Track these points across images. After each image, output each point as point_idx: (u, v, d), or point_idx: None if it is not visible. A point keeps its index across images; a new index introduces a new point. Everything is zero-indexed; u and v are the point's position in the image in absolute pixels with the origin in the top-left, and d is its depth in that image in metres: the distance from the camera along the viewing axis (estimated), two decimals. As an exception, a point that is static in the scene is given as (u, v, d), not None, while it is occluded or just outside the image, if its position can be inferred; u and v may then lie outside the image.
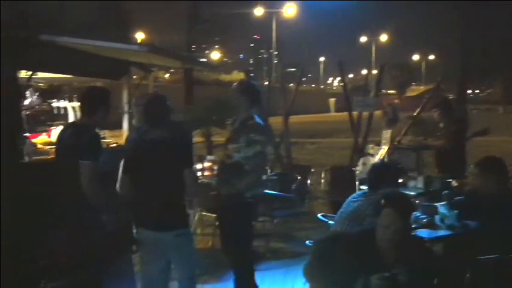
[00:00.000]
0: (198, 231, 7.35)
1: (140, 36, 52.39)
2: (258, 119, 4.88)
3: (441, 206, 4.82)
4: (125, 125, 9.28)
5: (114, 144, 7.53)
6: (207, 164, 7.16)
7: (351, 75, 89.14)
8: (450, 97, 19.29)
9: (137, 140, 4.35)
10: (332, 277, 2.40)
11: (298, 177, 7.47)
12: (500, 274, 3.79)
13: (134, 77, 11.31)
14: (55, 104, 8.17)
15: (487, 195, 4.48)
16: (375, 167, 4.64)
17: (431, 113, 8.15)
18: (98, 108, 4.20)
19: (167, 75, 35.55)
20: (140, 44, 6.63)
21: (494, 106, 67.02)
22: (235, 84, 5.15)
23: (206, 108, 9.85)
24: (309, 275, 2.47)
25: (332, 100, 57.77)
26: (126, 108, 9.13)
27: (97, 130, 4.29)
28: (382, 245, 3.04)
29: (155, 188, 4.05)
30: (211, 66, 21.60)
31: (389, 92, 73.24)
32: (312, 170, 8.44)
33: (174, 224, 4.09)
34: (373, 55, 65.77)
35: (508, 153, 17.41)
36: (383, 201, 3.09)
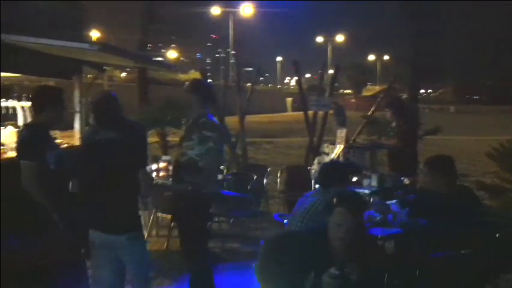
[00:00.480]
0: (153, 232, 7.24)
1: (95, 34, 51.55)
2: (210, 117, 4.90)
3: (393, 204, 4.90)
4: (77, 125, 9.07)
5: (65, 145, 7.34)
6: (162, 164, 7.08)
7: (308, 75, 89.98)
8: (403, 96, 19.69)
9: (88, 139, 4.22)
10: (281, 276, 2.38)
11: (255, 177, 7.46)
12: (449, 271, 3.86)
13: (89, 76, 11.08)
14: (3, 103, 7.91)
15: (436, 193, 4.57)
16: (325, 166, 4.66)
17: (384, 113, 8.25)
18: (48, 108, 4.12)
19: (123, 74, 35.01)
20: (91, 42, 6.47)
21: (446, 106, 68.88)
22: (187, 83, 5.14)
23: (161, 108, 9.75)
24: (260, 275, 2.45)
25: (289, 100, 58.18)
26: (78, 107, 8.93)
27: (45, 130, 4.17)
28: (334, 244, 3.05)
29: (106, 189, 3.95)
30: (166, 65, 21.34)
31: (345, 91, 74.46)
32: (269, 169, 8.44)
33: (126, 227, 4.01)
34: (329, 55, 66.50)
35: (459, 151, 17.95)
36: (335, 200, 3.10)
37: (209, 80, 13.48)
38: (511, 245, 3.42)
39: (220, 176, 6.83)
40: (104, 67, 9.57)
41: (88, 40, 7.56)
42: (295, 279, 2.41)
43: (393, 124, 7.84)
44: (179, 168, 4.89)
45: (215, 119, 5.01)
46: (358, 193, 3.46)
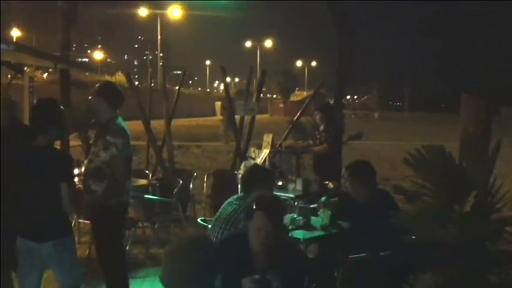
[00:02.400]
0: (75, 239, 6.99)
1: (16, 33, 49.47)
2: (119, 121, 4.74)
3: (317, 208, 4.98)
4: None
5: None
6: (83, 169, 6.86)
7: (237, 79, 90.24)
8: (330, 102, 20.13)
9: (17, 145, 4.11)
10: (183, 282, 2.34)
11: (181, 182, 7.37)
12: (368, 272, 3.96)
13: (8, 76, 10.59)
14: None
15: (357, 197, 4.69)
16: (246, 171, 4.67)
17: (313, 116, 8.38)
18: None
19: (45, 75, 33.76)
20: (6, 42, 6.15)
21: (371, 112, 71.18)
22: (96, 86, 4.95)
23: (84, 111, 9.44)
24: (165, 281, 2.39)
25: (218, 103, 58.08)
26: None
27: None
28: (255, 248, 3.05)
29: (33, 196, 3.85)
30: (88, 66, 20.70)
31: (274, 96, 75.33)
32: (195, 174, 8.37)
33: (53, 233, 3.88)
34: (258, 60, 67.07)
35: (381, 156, 18.58)
36: (254, 204, 3.10)
37: (136, 83, 13.22)
38: (426, 247, 3.55)
39: (132, 182, 6.72)
40: (23, 68, 9.18)
41: (5, 40, 7.20)
42: (198, 285, 2.36)
43: (321, 128, 7.97)
44: (87, 176, 4.75)
45: (124, 123, 4.82)
46: (277, 197, 3.47)
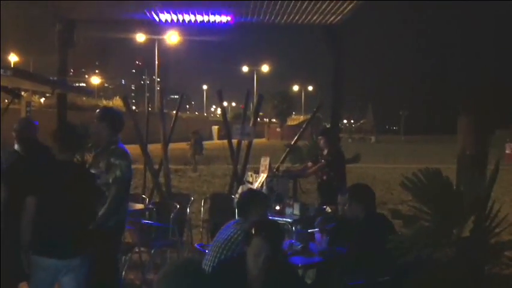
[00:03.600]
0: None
1: (14, 59, 49.71)
2: (121, 145, 4.85)
3: (316, 233, 4.95)
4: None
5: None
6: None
7: (234, 104, 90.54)
8: (327, 126, 20.23)
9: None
10: None
11: (177, 206, 7.32)
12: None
13: (5, 100, 10.58)
14: None
15: (354, 221, 4.67)
16: (242, 196, 4.65)
17: (318, 141, 8.45)
18: None
19: (42, 100, 33.87)
20: (4, 67, 6.18)
21: (367, 135, 71.44)
22: (97, 111, 5.11)
23: (81, 134, 9.44)
24: None
25: (215, 127, 58.29)
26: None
27: None
28: (252, 273, 3.02)
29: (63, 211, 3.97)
30: (86, 91, 20.86)
31: (271, 120, 75.56)
32: (192, 198, 8.33)
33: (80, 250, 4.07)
34: (255, 85, 67.45)
35: (378, 179, 18.57)
36: (253, 229, 3.08)
37: (133, 107, 13.26)
38: (424, 271, 3.52)
39: (134, 203, 6.71)
40: (20, 92, 9.18)
41: (2, 65, 7.22)
42: None
43: (325, 152, 8.07)
44: None
45: (125, 147, 4.93)
46: (276, 222, 3.47)
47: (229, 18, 9.08)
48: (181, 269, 2.35)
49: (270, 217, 5.26)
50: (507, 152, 30.19)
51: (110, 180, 4.65)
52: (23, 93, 9.45)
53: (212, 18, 9.14)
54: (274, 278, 3.03)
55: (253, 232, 3.06)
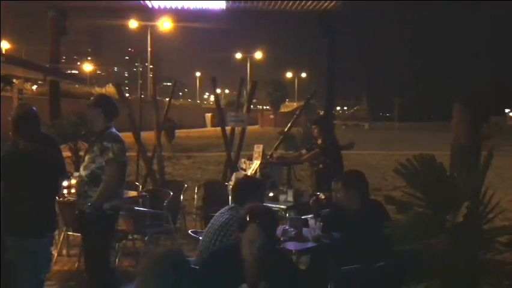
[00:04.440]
0: (64, 252, 6.93)
1: (5, 46, 49.27)
2: (114, 131, 4.89)
3: (308, 219, 4.95)
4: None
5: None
6: (73, 181, 6.79)
7: (227, 91, 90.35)
8: (320, 113, 20.23)
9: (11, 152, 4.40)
10: None
11: (171, 193, 7.32)
12: (362, 284, 3.93)
13: None
14: None
15: (349, 207, 4.67)
16: (237, 182, 4.66)
17: (312, 130, 8.42)
18: None
19: (34, 87, 33.62)
20: (-5, 54, 6.13)
21: (361, 122, 71.52)
22: (91, 98, 5.16)
23: (74, 123, 9.40)
24: None
25: (209, 115, 58.16)
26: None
27: None
28: (247, 259, 3.02)
29: (33, 197, 4.23)
30: (78, 78, 20.69)
31: (264, 107, 75.54)
32: (186, 185, 8.32)
33: (49, 229, 4.42)
34: (248, 71, 67.24)
35: (372, 166, 18.63)
36: (247, 216, 3.08)
37: (126, 94, 13.20)
38: (418, 257, 3.54)
39: (127, 191, 6.72)
40: (12, 80, 9.13)
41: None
42: None
43: (319, 141, 8.03)
44: (82, 182, 4.85)
45: (119, 134, 4.97)
46: (270, 208, 3.46)
47: (222, 4, 9.02)
48: (162, 263, 2.33)
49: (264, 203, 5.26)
50: None
51: (104, 163, 4.70)
52: (14, 80, 9.39)
53: (205, 4, 9.08)
54: (268, 263, 3.03)
55: (247, 218, 3.05)
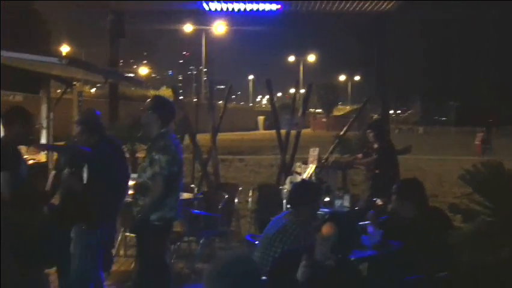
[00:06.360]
0: (121, 252, 7.05)
1: (65, 49, 51.02)
2: (170, 137, 4.75)
3: (368, 226, 4.83)
4: (44, 140, 8.83)
5: (31, 161, 7.11)
6: (131, 183, 6.90)
7: (279, 94, 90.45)
8: (374, 117, 19.91)
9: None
10: None
11: (226, 196, 7.33)
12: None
13: (58, 91, 10.83)
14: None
15: (406, 215, 4.53)
16: (295, 186, 4.57)
17: (367, 134, 8.24)
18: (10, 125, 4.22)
19: (93, 90, 34.62)
20: (59, 56, 6.28)
21: (415, 126, 70.05)
22: (148, 100, 4.90)
23: (131, 125, 9.58)
24: None
25: (261, 118, 58.40)
26: (45, 123, 8.69)
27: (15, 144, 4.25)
28: (317, 258, 2.96)
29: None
30: (136, 81, 20.96)
31: (316, 111, 75.11)
32: (240, 188, 8.32)
33: None
34: (301, 75, 67.03)
35: (428, 172, 18.16)
36: (328, 217, 3.05)
37: (181, 97, 13.36)
38: (483, 268, 3.38)
39: (174, 199, 6.71)
40: (73, 82, 9.39)
41: (57, 54, 7.37)
42: None
43: (376, 145, 7.85)
44: (136, 190, 4.84)
45: (177, 140, 4.88)
46: (351, 217, 3.42)
47: (278, 6, 9.00)
48: (234, 267, 2.29)
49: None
50: (476, 142, 27.27)
51: (151, 175, 4.63)
52: (75, 83, 9.65)
53: (261, 6, 9.09)
54: (339, 274, 2.97)
55: (326, 219, 3.04)
